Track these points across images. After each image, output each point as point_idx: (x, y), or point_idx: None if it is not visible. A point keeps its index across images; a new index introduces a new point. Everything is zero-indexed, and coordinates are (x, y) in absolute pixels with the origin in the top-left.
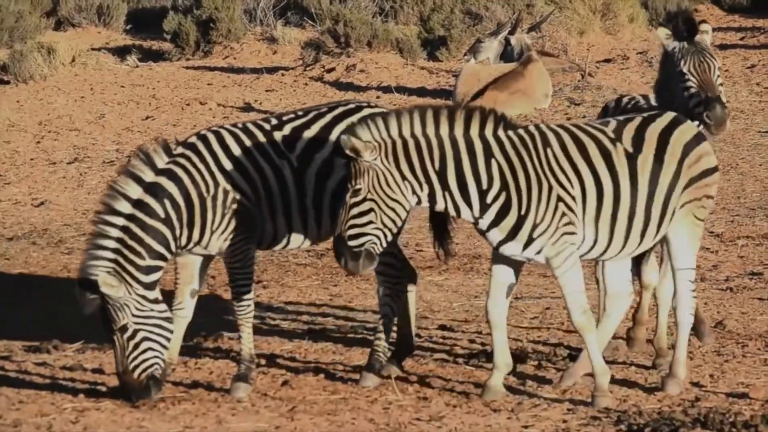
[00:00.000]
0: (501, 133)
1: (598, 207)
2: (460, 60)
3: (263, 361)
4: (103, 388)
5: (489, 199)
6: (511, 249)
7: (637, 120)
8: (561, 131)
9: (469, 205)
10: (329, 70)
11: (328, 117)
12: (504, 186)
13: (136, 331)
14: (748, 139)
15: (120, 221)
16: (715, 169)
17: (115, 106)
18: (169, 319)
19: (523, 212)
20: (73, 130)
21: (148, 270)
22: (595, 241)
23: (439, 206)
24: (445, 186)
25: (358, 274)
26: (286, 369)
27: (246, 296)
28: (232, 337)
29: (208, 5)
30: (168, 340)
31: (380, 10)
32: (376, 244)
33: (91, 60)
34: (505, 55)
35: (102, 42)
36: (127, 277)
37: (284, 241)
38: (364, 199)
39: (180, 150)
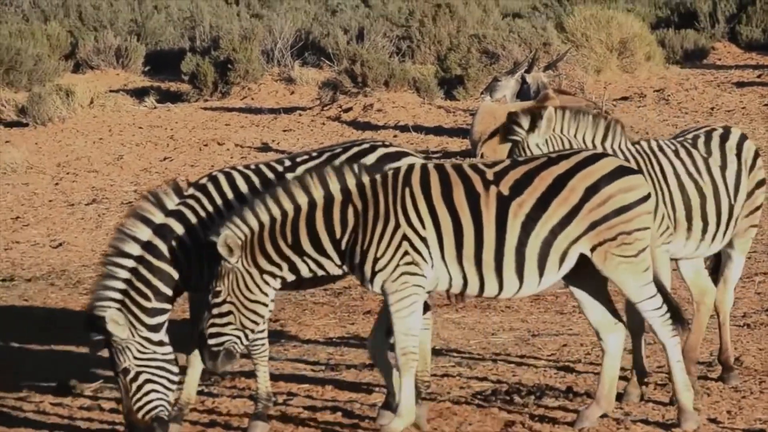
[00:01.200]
0: (365, 178)
1: (458, 249)
2: (477, 99)
3: (280, 400)
4: (121, 428)
5: (343, 245)
6: (364, 284)
7: (537, 161)
8: (432, 171)
9: (328, 257)
10: (346, 110)
11: (342, 157)
12: (355, 227)
13: (138, 374)
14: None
15: (129, 263)
16: (636, 203)
17: (133, 147)
18: (172, 362)
19: (366, 247)
20: (91, 172)
21: (154, 312)
22: (465, 281)
23: (304, 273)
24: (301, 253)
25: (217, 371)
26: (303, 407)
27: (260, 334)
28: (248, 376)
29: (226, 46)
30: (172, 382)
31: (397, 49)
32: (236, 343)
33: (109, 102)
34: (522, 94)
35: (120, 84)
36: (132, 319)
37: (299, 282)
38: (224, 302)
39: (191, 191)
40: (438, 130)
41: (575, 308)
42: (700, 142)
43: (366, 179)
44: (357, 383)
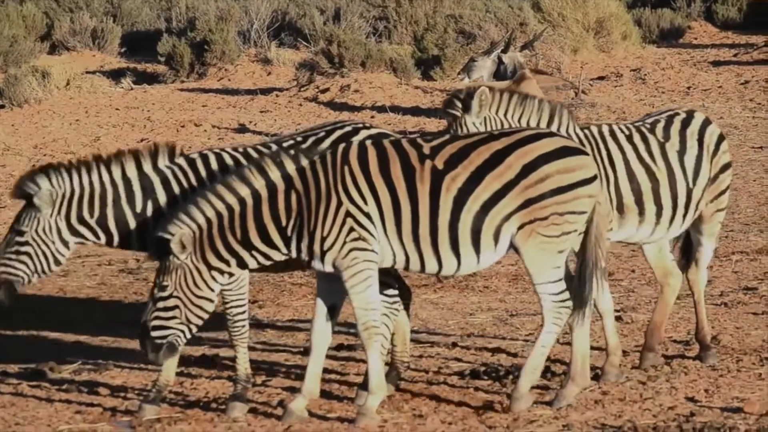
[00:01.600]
0: (304, 162)
1: (397, 224)
2: (454, 79)
3: (259, 381)
4: (100, 410)
5: (288, 232)
6: (316, 265)
7: (478, 136)
8: (370, 148)
9: (275, 247)
10: (323, 91)
11: (327, 141)
12: (299, 212)
13: (171, 296)
14: (741, 155)
15: None
16: (576, 185)
17: (110, 128)
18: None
19: (311, 228)
20: (68, 153)
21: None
22: (407, 257)
23: (251, 265)
24: (250, 247)
25: (158, 364)
26: (281, 388)
27: (240, 316)
28: (227, 356)
29: (202, 27)
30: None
31: (374, 30)
32: (179, 337)
33: (85, 83)
34: (498, 74)
35: (97, 65)
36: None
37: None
38: (170, 296)
39: (180, 160)
40: (415, 111)
41: None
42: (660, 126)
43: (305, 162)
44: (335, 363)
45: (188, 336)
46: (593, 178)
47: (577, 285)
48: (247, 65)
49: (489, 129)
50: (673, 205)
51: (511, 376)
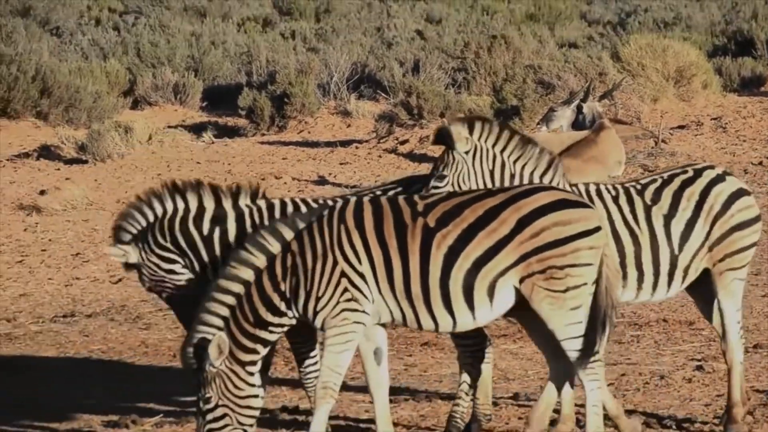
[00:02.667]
0: (300, 225)
1: (390, 282)
2: (533, 129)
3: (341, 430)
4: None
5: (288, 293)
6: (311, 323)
7: (475, 193)
8: (366, 205)
9: (283, 314)
10: (403, 142)
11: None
12: (293, 271)
13: (217, 405)
14: None
15: None
16: (574, 237)
17: None
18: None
19: (307, 288)
20: None
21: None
22: (402, 314)
23: (273, 340)
24: (264, 324)
25: None
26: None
27: (314, 370)
28: (308, 411)
29: (282, 80)
30: (251, 423)
31: (453, 81)
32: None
33: (167, 137)
34: (577, 123)
35: (178, 120)
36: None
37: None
38: (216, 406)
39: (260, 202)
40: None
41: (633, 337)
42: (652, 187)
43: (302, 225)
44: (415, 414)
45: (248, 430)
46: (595, 230)
47: (587, 333)
48: (327, 117)
49: (480, 161)
50: (654, 271)
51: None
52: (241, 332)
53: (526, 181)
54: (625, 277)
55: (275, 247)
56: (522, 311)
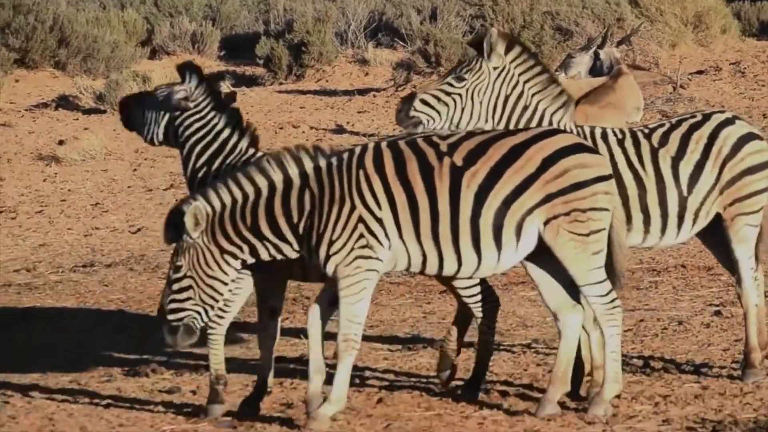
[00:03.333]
0: (321, 161)
1: (415, 225)
2: None
3: (357, 380)
4: (200, 412)
5: (300, 229)
6: (320, 268)
7: (494, 132)
8: (386, 149)
9: (288, 242)
10: None
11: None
12: (311, 211)
13: (185, 276)
14: None
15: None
16: (593, 181)
17: None
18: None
19: (321, 230)
20: (168, 157)
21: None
22: (424, 258)
23: (263, 256)
24: (260, 236)
25: (179, 347)
26: (380, 386)
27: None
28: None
29: (300, 29)
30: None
31: (470, 28)
32: (196, 318)
33: None
34: (595, 70)
35: None
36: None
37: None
38: (184, 276)
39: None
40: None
41: (651, 283)
42: (659, 131)
43: (323, 162)
44: (434, 362)
45: (205, 318)
46: (608, 177)
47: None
48: (345, 66)
49: (502, 82)
50: (662, 213)
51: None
52: (232, 225)
53: (538, 115)
54: (629, 220)
55: (293, 171)
56: (533, 259)
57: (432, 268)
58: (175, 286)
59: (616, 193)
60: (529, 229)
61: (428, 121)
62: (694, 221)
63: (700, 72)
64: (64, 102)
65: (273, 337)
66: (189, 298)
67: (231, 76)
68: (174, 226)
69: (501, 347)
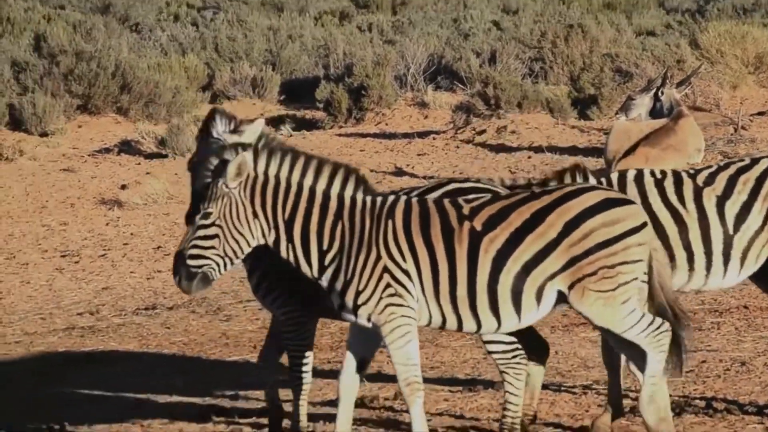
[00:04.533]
0: (359, 195)
1: (434, 284)
2: (611, 118)
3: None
4: None
5: (327, 261)
6: (347, 316)
7: (519, 196)
8: (414, 204)
9: (309, 262)
10: (480, 132)
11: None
12: (340, 249)
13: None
14: None
15: None
16: (622, 236)
17: None
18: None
19: (348, 277)
20: None
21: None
22: (443, 317)
23: (283, 255)
24: (289, 237)
25: (191, 294)
26: (441, 428)
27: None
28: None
29: (360, 73)
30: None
31: (530, 71)
32: (214, 270)
33: None
34: (655, 111)
35: (256, 113)
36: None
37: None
38: (212, 224)
39: None
40: (572, 150)
41: (713, 324)
42: (706, 171)
43: (359, 197)
44: (494, 403)
45: (223, 271)
46: (642, 226)
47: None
48: (404, 109)
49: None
50: (706, 252)
51: (672, 414)
52: (272, 203)
53: None
54: (672, 258)
55: (335, 190)
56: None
57: (452, 326)
58: (201, 233)
59: (653, 238)
60: (551, 292)
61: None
62: (742, 262)
63: (761, 113)
64: (127, 147)
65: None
66: (213, 248)
67: (291, 120)
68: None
69: (562, 388)
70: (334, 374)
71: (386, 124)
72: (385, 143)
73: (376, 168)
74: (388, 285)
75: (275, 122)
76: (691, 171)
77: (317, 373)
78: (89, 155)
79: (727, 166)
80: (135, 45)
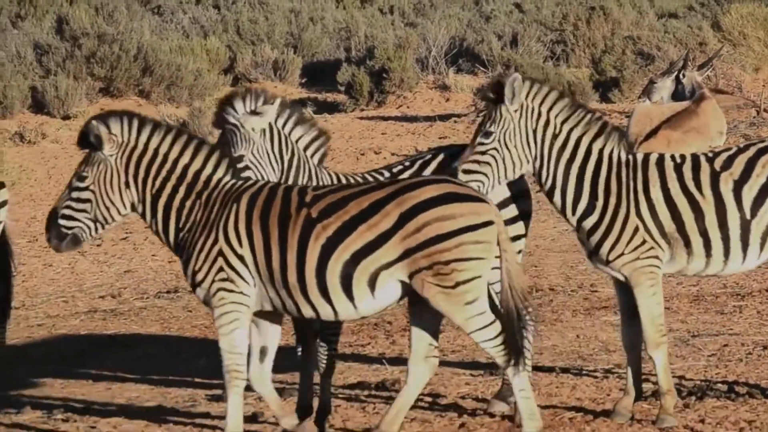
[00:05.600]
0: (225, 178)
1: (268, 270)
2: (633, 101)
3: (441, 404)
4: None
5: (180, 238)
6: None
7: (365, 186)
8: (264, 190)
9: (168, 238)
10: None
11: (432, 164)
12: (190, 229)
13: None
14: None
15: None
16: (457, 232)
17: None
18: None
19: (188, 257)
20: None
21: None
22: (282, 302)
23: (152, 228)
24: (153, 212)
25: (60, 252)
26: (462, 412)
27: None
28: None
29: (381, 56)
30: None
31: (551, 54)
32: (84, 232)
33: None
34: (677, 94)
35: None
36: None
37: None
38: (86, 188)
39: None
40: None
41: (735, 308)
42: (724, 155)
43: (224, 180)
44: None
45: (93, 234)
46: (483, 225)
47: (506, 337)
48: (426, 92)
49: (526, 119)
50: (723, 237)
51: (694, 397)
52: (143, 175)
53: (571, 144)
54: (688, 244)
55: (197, 164)
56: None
57: (292, 312)
58: (75, 195)
59: (504, 238)
60: (388, 282)
61: (479, 186)
62: (762, 246)
63: None
64: None
65: (316, 358)
66: (85, 211)
67: (312, 103)
68: (85, 135)
69: (583, 372)
70: (355, 358)
71: (408, 107)
72: (406, 126)
73: (398, 151)
74: (221, 269)
75: (296, 105)
76: (710, 154)
77: (339, 356)
78: None
79: (746, 148)
80: (157, 27)
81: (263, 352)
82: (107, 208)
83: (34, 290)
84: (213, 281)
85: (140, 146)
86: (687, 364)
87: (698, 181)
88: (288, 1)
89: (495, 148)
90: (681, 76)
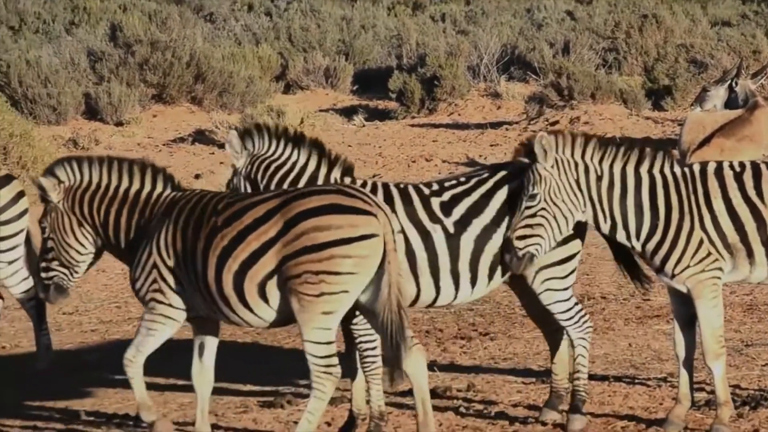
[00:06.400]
0: (165, 192)
1: (188, 279)
2: (685, 109)
3: (492, 412)
4: None
5: (130, 253)
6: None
7: (266, 195)
8: (193, 200)
9: (123, 256)
10: (553, 123)
11: (489, 182)
12: (135, 242)
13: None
14: None
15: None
16: (331, 244)
17: None
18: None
19: (133, 269)
20: None
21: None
22: (210, 311)
23: (118, 257)
24: (108, 242)
25: (53, 303)
26: (514, 419)
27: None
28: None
29: (432, 63)
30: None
31: (603, 61)
32: (63, 279)
33: (319, 121)
34: (730, 102)
35: (329, 103)
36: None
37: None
38: (48, 238)
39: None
40: (646, 142)
41: None
42: None
43: (164, 194)
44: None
45: (73, 278)
46: (359, 238)
47: (388, 350)
48: (477, 100)
49: (566, 173)
50: None
51: (747, 407)
52: (88, 206)
53: (617, 179)
54: (751, 254)
55: (158, 188)
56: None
57: (221, 318)
58: (44, 245)
59: (373, 255)
60: (281, 291)
61: (537, 251)
62: None
63: None
64: (201, 136)
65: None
66: (54, 259)
67: (364, 110)
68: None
69: (636, 381)
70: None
71: (459, 115)
72: (457, 134)
73: (449, 159)
74: (155, 280)
75: (348, 112)
76: None
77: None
78: (164, 144)
79: None
80: (209, 35)
81: (202, 347)
82: (67, 252)
83: (87, 296)
84: (147, 291)
85: (83, 184)
86: (741, 374)
87: (760, 189)
88: (340, 9)
89: (543, 208)
90: (734, 84)
